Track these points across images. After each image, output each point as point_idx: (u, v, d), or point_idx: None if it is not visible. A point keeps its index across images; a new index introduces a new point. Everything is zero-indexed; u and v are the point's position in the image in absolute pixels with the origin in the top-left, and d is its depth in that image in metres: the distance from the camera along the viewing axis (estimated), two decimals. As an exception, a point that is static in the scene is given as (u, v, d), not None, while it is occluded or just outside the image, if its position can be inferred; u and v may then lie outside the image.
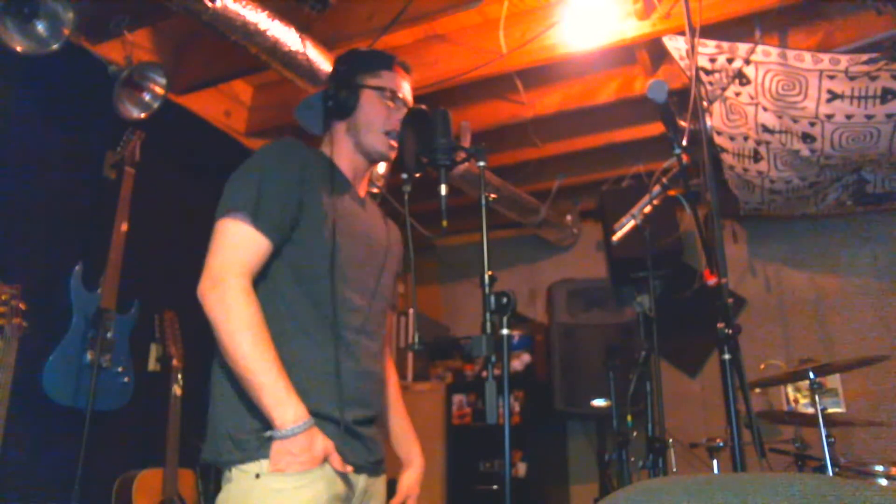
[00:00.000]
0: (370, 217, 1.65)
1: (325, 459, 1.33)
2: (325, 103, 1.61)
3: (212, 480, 2.91)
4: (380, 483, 1.55)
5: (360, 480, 1.46)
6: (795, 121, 3.04)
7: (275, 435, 1.29)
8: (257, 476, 1.30)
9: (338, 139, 1.62)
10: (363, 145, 1.61)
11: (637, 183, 4.11)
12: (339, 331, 1.44)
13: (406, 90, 1.66)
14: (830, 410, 3.91)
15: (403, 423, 1.77)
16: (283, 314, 1.42)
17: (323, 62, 2.79)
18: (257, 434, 1.32)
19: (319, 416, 1.36)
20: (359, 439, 1.45)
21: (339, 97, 1.59)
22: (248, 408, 1.34)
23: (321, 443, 1.32)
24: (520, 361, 4.58)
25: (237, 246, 1.37)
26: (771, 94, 2.94)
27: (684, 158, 1.77)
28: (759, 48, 2.79)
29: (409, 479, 1.71)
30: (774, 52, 2.77)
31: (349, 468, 1.37)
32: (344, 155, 1.62)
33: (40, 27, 2.50)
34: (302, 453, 1.29)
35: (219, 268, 1.35)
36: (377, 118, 1.60)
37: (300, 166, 1.47)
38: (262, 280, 1.42)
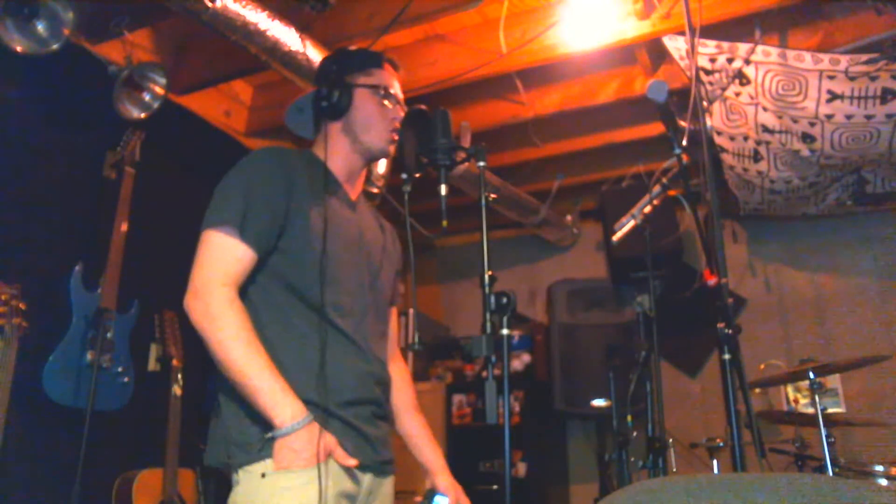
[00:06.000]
0: (361, 219, 1.64)
1: (329, 455, 1.33)
2: (318, 104, 1.61)
3: (212, 480, 2.91)
4: (387, 484, 1.54)
5: (366, 480, 1.45)
6: (795, 121, 3.04)
7: (276, 434, 1.29)
8: (263, 476, 1.31)
9: (333, 139, 1.62)
10: (362, 143, 1.61)
11: (637, 183, 4.10)
12: (332, 334, 1.45)
13: (397, 87, 1.67)
14: (830, 410, 3.91)
15: (422, 427, 1.72)
16: (277, 320, 1.42)
17: (323, 62, 2.79)
18: (260, 436, 1.33)
19: (320, 413, 1.36)
20: (363, 437, 1.45)
21: (333, 97, 1.59)
22: (249, 411, 1.35)
23: (323, 438, 1.32)
24: (520, 361, 4.58)
25: (221, 257, 1.38)
26: (771, 94, 2.94)
27: (684, 158, 1.77)
28: (759, 48, 2.79)
29: (448, 481, 1.66)
30: (774, 52, 2.77)
31: (353, 462, 1.37)
32: (339, 155, 1.62)
33: (40, 27, 2.50)
34: (304, 449, 1.29)
35: (203, 279, 1.36)
36: (373, 116, 1.61)
37: (287, 174, 1.47)
38: (251, 287, 1.43)
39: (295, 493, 1.29)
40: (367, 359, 1.51)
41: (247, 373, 1.31)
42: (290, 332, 1.42)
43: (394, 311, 1.75)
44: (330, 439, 1.34)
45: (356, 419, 1.44)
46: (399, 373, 1.71)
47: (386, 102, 1.62)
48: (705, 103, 3.13)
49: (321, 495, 1.30)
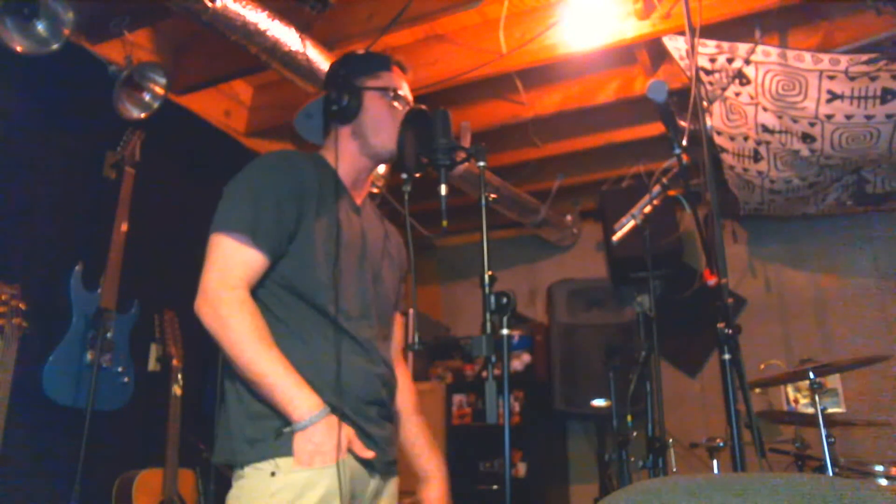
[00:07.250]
0: (366, 223, 1.63)
1: (348, 449, 1.34)
2: (328, 108, 1.60)
3: (212, 480, 2.91)
4: (391, 485, 1.54)
5: (373, 480, 1.46)
6: (795, 121, 3.04)
7: (294, 428, 1.30)
8: (273, 474, 1.30)
9: (343, 143, 1.61)
10: (372, 147, 1.61)
11: (637, 183, 4.10)
12: (339, 337, 1.45)
13: (406, 89, 1.67)
14: (830, 410, 3.91)
15: (421, 433, 1.70)
16: (283, 323, 1.42)
17: (323, 62, 2.79)
18: (271, 432, 1.33)
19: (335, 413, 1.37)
20: (369, 438, 1.45)
21: (342, 101, 1.58)
22: (264, 408, 1.35)
23: (343, 431, 1.33)
24: (520, 361, 4.58)
25: (231, 261, 1.38)
26: (771, 94, 2.94)
27: (684, 158, 1.77)
28: (759, 48, 2.79)
29: (435, 494, 1.64)
30: (774, 52, 2.77)
31: (371, 454, 1.38)
32: (347, 159, 1.61)
33: (40, 27, 2.50)
34: (325, 442, 1.30)
35: (212, 283, 1.36)
36: (383, 118, 1.60)
37: (296, 178, 1.47)
38: (259, 290, 1.43)
39: (304, 490, 1.29)
40: (372, 359, 1.51)
41: (260, 371, 1.31)
42: (297, 334, 1.42)
43: (399, 318, 1.74)
44: (349, 431, 1.35)
45: (362, 420, 1.44)
46: (401, 376, 1.70)
47: (395, 104, 1.62)
48: (705, 103, 3.12)
49: (341, 488, 1.30)
